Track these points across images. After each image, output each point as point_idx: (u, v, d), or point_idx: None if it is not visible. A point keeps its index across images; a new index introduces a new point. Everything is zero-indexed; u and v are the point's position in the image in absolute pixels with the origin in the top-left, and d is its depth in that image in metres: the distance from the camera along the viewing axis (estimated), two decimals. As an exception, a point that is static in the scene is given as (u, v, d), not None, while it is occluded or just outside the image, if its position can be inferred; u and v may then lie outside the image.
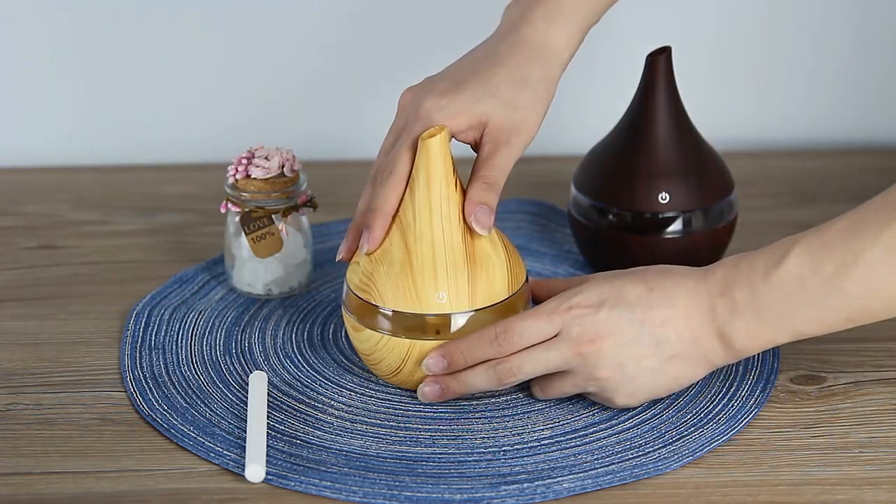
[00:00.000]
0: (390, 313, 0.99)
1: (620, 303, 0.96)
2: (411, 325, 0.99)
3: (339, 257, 1.04)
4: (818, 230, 0.93)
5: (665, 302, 0.96)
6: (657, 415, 1.00)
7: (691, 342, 0.96)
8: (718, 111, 1.41)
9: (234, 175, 1.13)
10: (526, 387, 1.03)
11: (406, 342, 0.99)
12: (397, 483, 0.93)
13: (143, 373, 1.06)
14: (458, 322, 0.99)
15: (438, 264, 0.99)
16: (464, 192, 1.01)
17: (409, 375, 1.01)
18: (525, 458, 0.96)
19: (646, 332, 0.96)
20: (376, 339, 1.00)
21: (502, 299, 1.00)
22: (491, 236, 1.01)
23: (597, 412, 1.01)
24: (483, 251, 1.00)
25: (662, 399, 1.01)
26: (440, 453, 0.97)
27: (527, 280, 1.03)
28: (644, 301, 0.96)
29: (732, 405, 1.01)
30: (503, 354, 0.98)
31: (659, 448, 0.96)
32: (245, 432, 0.98)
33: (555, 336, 0.97)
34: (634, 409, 1.00)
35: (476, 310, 0.99)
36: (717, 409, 1.00)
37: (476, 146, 1.03)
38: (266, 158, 1.13)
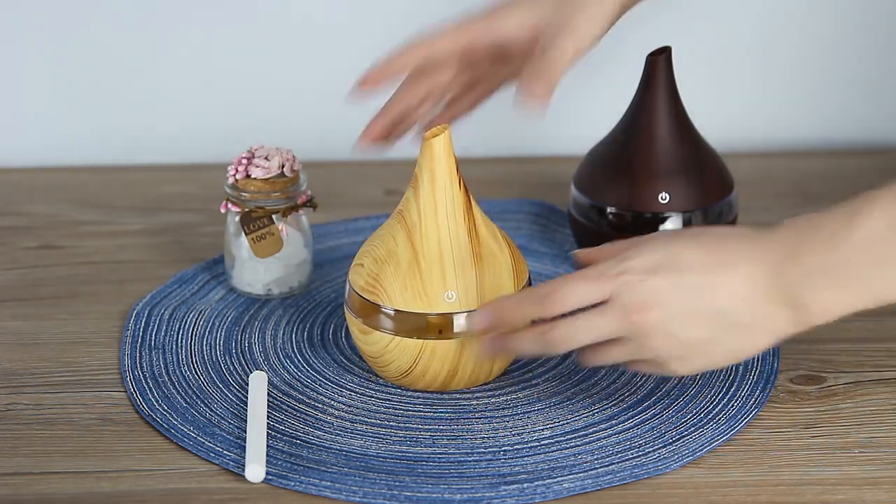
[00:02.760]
0: (399, 314, 0.99)
1: (676, 269, 0.91)
2: (421, 325, 0.99)
3: (363, 142, 1.05)
4: (893, 187, 0.88)
5: (725, 268, 0.90)
6: (657, 415, 1.00)
7: (753, 311, 0.90)
8: (718, 111, 1.41)
9: (235, 175, 1.13)
10: (526, 386, 1.03)
11: (417, 343, 0.99)
12: (397, 483, 0.93)
13: (143, 373, 1.06)
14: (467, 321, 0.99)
15: (446, 263, 0.99)
16: (467, 192, 1.01)
17: (420, 376, 1.01)
18: (525, 459, 0.96)
19: (703, 301, 0.91)
20: (386, 342, 1.00)
21: None
22: (494, 234, 1.01)
23: (597, 412, 1.01)
24: (489, 249, 1.00)
25: (662, 399, 1.01)
26: (440, 453, 0.97)
27: (529, 280, 1.03)
28: (702, 267, 0.91)
29: (732, 405, 1.01)
30: (547, 315, 0.93)
31: (659, 448, 0.96)
32: (245, 432, 0.98)
33: (604, 302, 0.92)
34: (693, 375, 0.96)
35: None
36: (717, 409, 1.00)
37: (528, 54, 1.03)
38: (266, 158, 1.13)
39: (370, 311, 1.01)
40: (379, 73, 1.05)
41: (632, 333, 0.92)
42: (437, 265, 0.99)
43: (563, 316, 0.94)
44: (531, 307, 0.95)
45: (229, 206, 1.14)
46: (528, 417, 1.00)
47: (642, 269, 0.92)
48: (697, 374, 1.04)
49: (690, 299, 0.91)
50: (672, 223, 1.14)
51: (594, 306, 0.93)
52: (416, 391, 1.03)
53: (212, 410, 1.01)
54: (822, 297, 0.89)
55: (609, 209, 1.15)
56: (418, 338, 0.99)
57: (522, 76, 1.00)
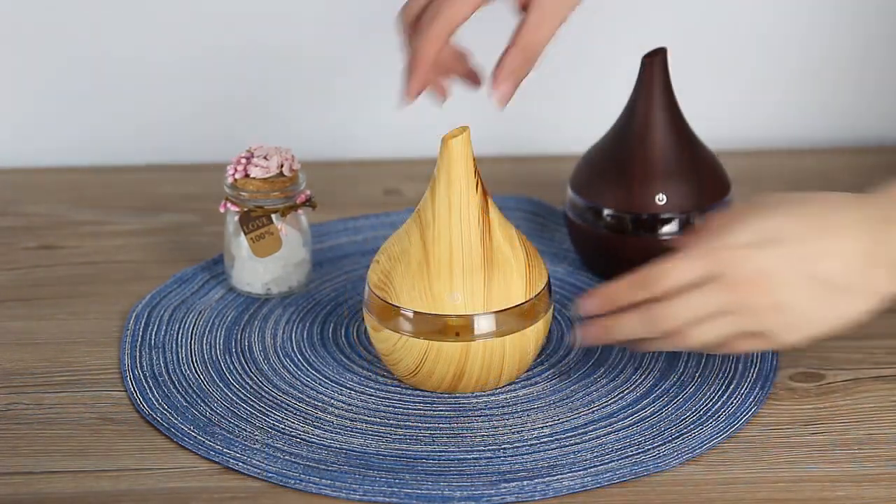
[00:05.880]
0: (408, 313, 0.99)
1: (778, 241, 0.92)
2: (426, 325, 0.99)
3: (406, 98, 1.00)
4: None
5: (827, 236, 0.92)
6: (656, 412, 1.00)
7: (859, 274, 0.91)
8: (714, 112, 1.41)
9: (234, 175, 1.13)
10: (526, 385, 1.03)
11: (423, 343, 0.99)
12: (397, 481, 0.93)
13: (143, 372, 1.06)
14: (476, 324, 0.99)
15: (455, 265, 0.99)
16: (485, 194, 1.01)
17: (427, 377, 1.01)
18: (525, 456, 0.96)
19: (808, 270, 0.91)
20: (394, 340, 1.00)
21: (518, 303, 1.00)
22: (511, 238, 1.01)
23: (596, 410, 1.01)
24: (502, 254, 1.00)
25: (662, 397, 1.02)
26: (440, 451, 0.97)
27: (549, 284, 1.03)
28: (804, 237, 0.92)
29: (732, 402, 1.01)
30: (654, 296, 0.94)
31: (658, 445, 0.97)
32: (245, 432, 0.98)
33: (709, 279, 0.93)
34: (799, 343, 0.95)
35: (492, 312, 0.99)
36: (716, 407, 1.00)
37: (522, 7, 0.99)
38: (265, 158, 1.13)
39: (381, 308, 1.01)
40: (421, 78, 0.99)
41: (740, 307, 0.93)
42: (446, 267, 0.99)
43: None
44: (637, 289, 0.95)
45: (228, 205, 1.14)
46: (527, 415, 1.01)
47: (745, 244, 0.92)
48: (697, 371, 1.04)
49: (796, 269, 0.92)
50: (670, 226, 1.13)
51: (697, 285, 0.93)
52: (415, 390, 1.03)
53: (212, 410, 1.01)
54: None
55: (606, 211, 1.15)
56: (424, 338, 0.99)
57: (504, 60, 0.97)
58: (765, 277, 0.92)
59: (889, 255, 0.91)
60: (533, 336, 1.01)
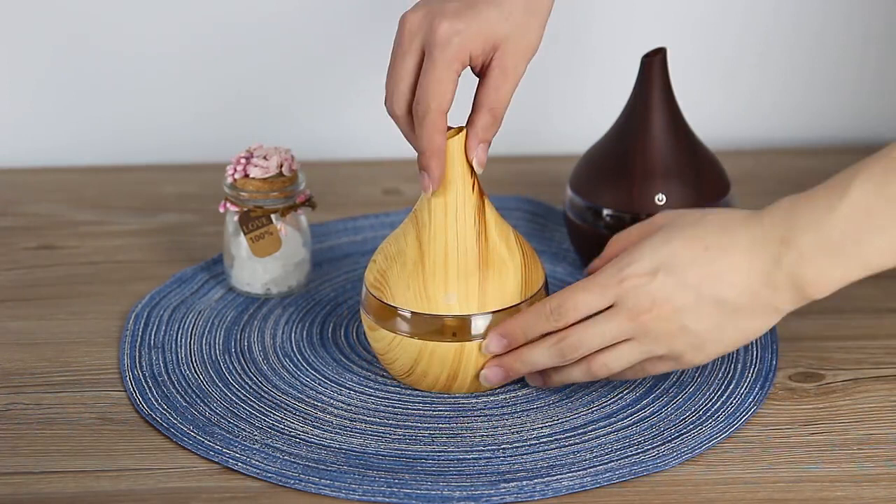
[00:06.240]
0: (404, 313, 1.00)
1: (675, 267, 0.94)
2: (420, 325, 0.99)
3: (428, 192, 1.00)
4: (877, 156, 0.91)
5: (721, 259, 0.94)
6: (656, 412, 1.00)
7: (753, 296, 0.94)
8: (714, 111, 1.41)
9: (233, 175, 1.13)
10: (525, 384, 1.04)
11: (416, 343, 0.99)
12: (396, 481, 0.93)
13: (142, 372, 1.06)
14: (471, 325, 0.99)
15: (450, 266, 0.99)
16: (482, 194, 1.01)
17: (422, 377, 1.01)
18: (524, 456, 0.96)
19: (704, 293, 0.94)
20: (389, 339, 1.01)
21: (513, 304, 1.00)
22: (508, 239, 1.01)
23: (595, 410, 1.01)
24: (498, 255, 1.00)
25: (661, 397, 1.02)
26: (439, 451, 0.97)
27: (546, 285, 1.03)
28: (699, 262, 0.94)
29: (731, 402, 1.01)
30: (559, 328, 0.97)
31: (658, 445, 0.97)
32: (244, 432, 0.98)
33: (612, 306, 0.96)
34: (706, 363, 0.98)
35: (486, 312, 0.99)
36: (715, 407, 1.01)
37: (480, 71, 1.00)
38: (264, 158, 1.13)
39: (376, 308, 1.01)
40: (441, 169, 0.99)
41: (641, 332, 0.95)
42: (441, 267, 0.99)
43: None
44: (542, 323, 0.97)
45: (228, 205, 1.14)
46: (526, 415, 1.01)
47: (642, 273, 0.95)
48: (696, 371, 1.04)
49: (693, 295, 0.94)
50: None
51: (602, 312, 0.96)
52: (414, 389, 1.03)
53: (211, 410, 1.01)
54: (819, 273, 0.92)
55: (606, 211, 1.15)
56: (418, 338, 0.99)
57: (474, 128, 0.99)
58: (663, 304, 0.94)
59: (786, 275, 0.93)
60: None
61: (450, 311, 0.99)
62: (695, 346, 0.96)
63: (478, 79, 1.00)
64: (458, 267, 0.99)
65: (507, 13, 0.98)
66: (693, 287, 0.94)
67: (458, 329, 0.99)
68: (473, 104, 1.00)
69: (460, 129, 0.99)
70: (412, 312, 0.99)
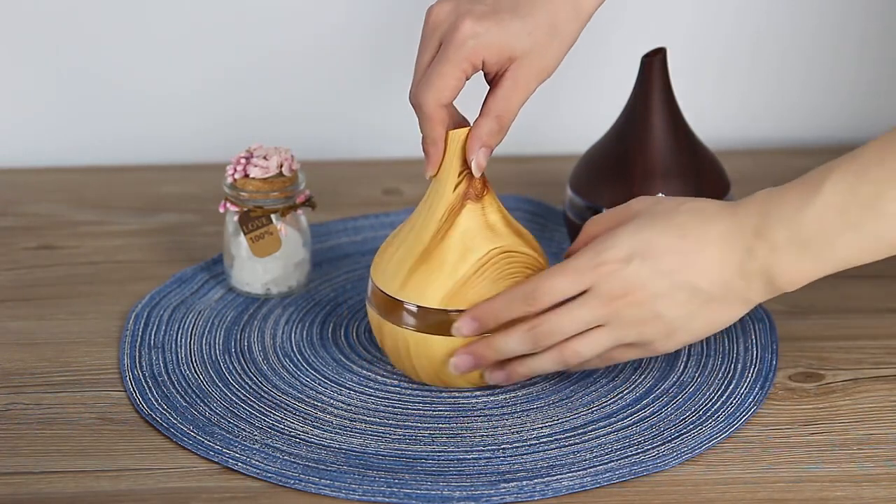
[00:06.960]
0: (385, 298, 1.00)
1: (650, 255, 0.95)
2: (400, 313, 0.99)
3: (428, 175, 1.02)
4: (852, 155, 0.92)
5: (697, 248, 0.94)
6: (656, 413, 1.00)
7: (726, 286, 0.94)
8: (714, 111, 1.41)
9: (233, 175, 1.13)
10: (526, 384, 1.04)
11: (400, 331, 1.00)
12: (396, 481, 0.93)
13: (142, 372, 1.06)
14: (394, 307, 1.00)
15: (400, 247, 1.00)
16: (478, 198, 1.01)
17: (410, 367, 1.01)
18: (524, 456, 0.96)
19: (677, 281, 0.94)
20: (379, 325, 1.02)
21: (427, 305, 0.99)
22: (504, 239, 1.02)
23: (595, 410, 1.01)
24: (442, 257, 1.00)
25: (661, 397, 1.02)
26: (439, 451, 0.97)
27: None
28: (674, 250, 0.94)
29: (731, 402, 1.01)
30: (533, 313, 0.96)
31: (658, 445, 0.97)
32: (244, 432, 0.98)
33: (586, 292, 0.96)
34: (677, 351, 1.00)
35: (407, 302, 1.00)
36: (715, 407, 1.01)
37: (493, 78, 1.00)
38: (265, 158, 1.13)
39: (373, 293, 1.02)
40: (439, 156, 1.01)
41: (614, 318, 0.95)
42: (398, 248, 1.00)
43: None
44: (516, 307, 0.97)
45: (228, 205, 1.14)
46: (526, 415, 1.01)
47: (618, 259, 0.95)
48: (696, 371, 1.04)
49: (667, 282, 0.94)
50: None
51: (576, 298, 0.96)
52: (414, 389, 1.03)
53: (211, 410, 1.01)
54: (791, 267, 0.93)
55: (606, 211, 1.15)
56: (404, 327, 1.00)
57: (478, 130, 0.99)
58: (638, 290, 0.95)
59: (758, 267, 0.93)
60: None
61: (385, 288, 1.00)
62: (665, 333, 0.96)
63: (489, 87, 1.01)
64: (404, 250, 1.00)
65: (531, 29, 0.99)
66: (667, 274, 0.94)
67: (389, 309, 1.00)
68: (481, 110, 1.00)
69: (466, 128, 1.00)
70: (394, 299, 1.00)
